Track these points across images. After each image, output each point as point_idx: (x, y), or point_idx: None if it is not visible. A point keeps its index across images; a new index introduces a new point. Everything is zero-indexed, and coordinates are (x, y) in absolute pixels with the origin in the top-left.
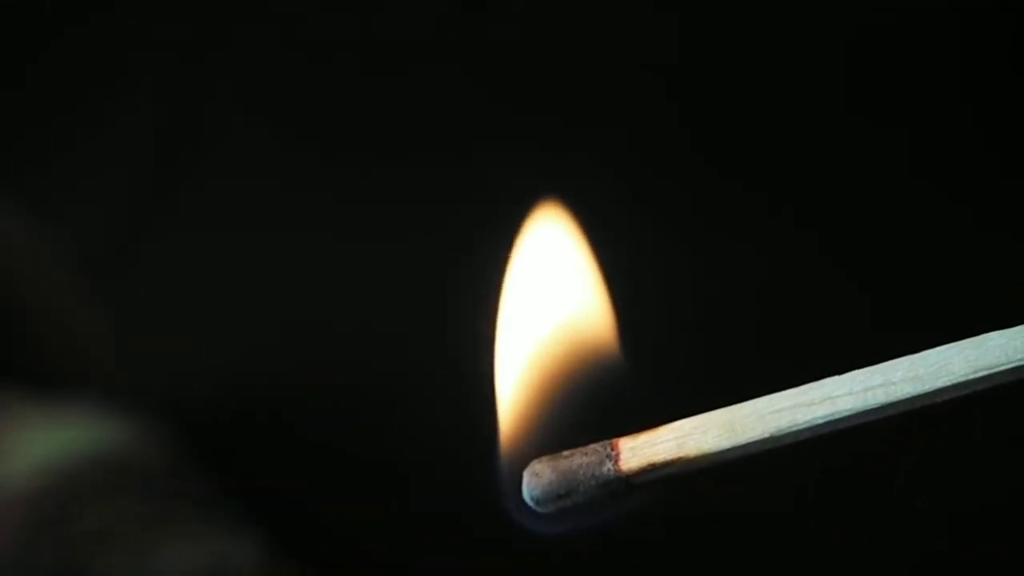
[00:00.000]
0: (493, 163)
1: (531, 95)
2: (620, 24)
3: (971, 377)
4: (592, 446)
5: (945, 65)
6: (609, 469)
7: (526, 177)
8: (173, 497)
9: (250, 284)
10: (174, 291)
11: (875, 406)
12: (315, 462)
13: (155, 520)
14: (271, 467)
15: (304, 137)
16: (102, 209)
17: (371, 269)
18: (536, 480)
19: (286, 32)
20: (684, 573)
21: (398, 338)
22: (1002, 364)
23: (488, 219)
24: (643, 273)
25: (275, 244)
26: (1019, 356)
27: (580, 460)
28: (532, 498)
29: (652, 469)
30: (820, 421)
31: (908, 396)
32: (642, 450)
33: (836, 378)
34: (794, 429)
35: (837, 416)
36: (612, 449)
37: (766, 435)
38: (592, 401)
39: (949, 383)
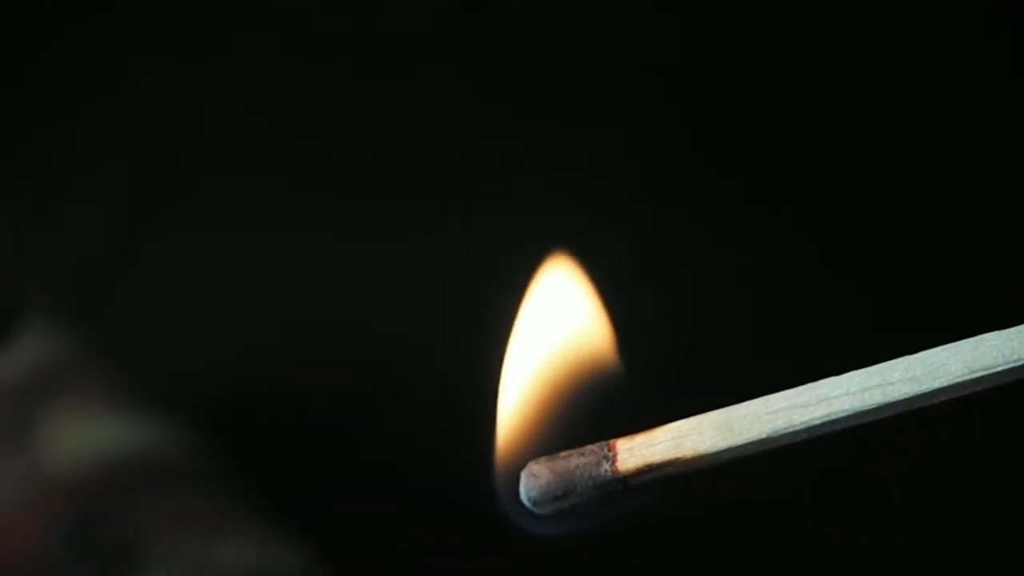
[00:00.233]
0: (493, 163)
1: (531, 95)
2: (620, 24)
3: (968, 378)
4: (589, 447)
5: (945, 65)
6: (606, 470)
7: (526, 177)
8: (194, 497)
9: (250, 284)
10: (174, 291)
11: (872, 407)
12: (314, 462)
13: (187, 518)
14: (270, 467)
15: (304, 137)
16: (102, 209)
17: (371, 269)
18: (533, 481)
19: (286, 32)
20: (683, 572)
21: (398, 338)
22: (999, 365)
23: (488, 219)
24: (642, 273)
25: (275, 244)
26: (1016, 357)
27: (577, 461)
28: (530, 499)
29: (649, 470)
30: (817, 422)
31: (905, 397)
32: (639, 451)
33: (833, 379)
34: (791, 430)
35: (834, 417)
36: (609, 450)
37: (763, 436)
38: (591, 403)
39: (946, 384)
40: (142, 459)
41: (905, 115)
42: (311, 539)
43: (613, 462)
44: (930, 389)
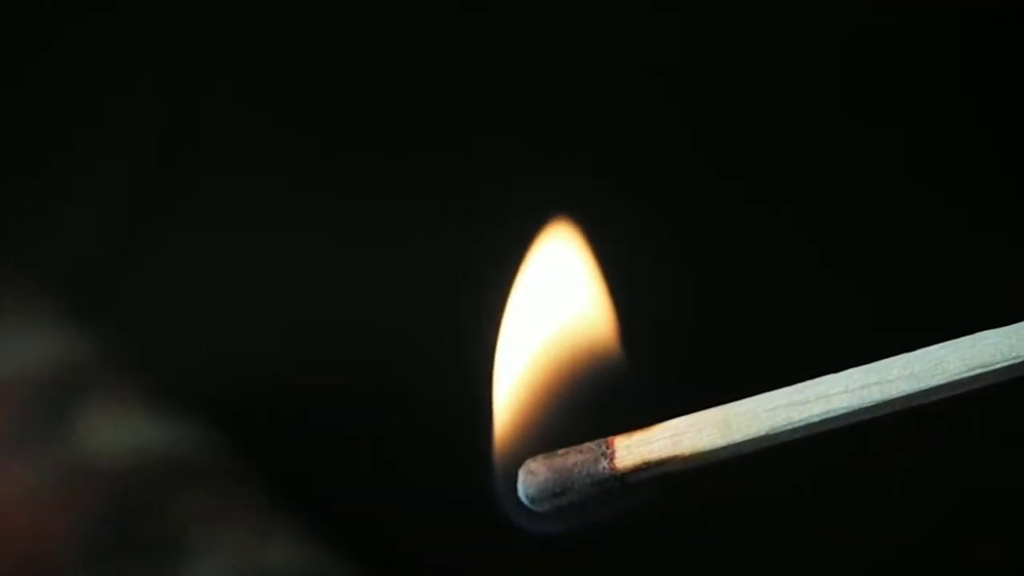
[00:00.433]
0: (493, 163)
1: (531, 95)
2: (620, 24)
3: (966, 375)
4: (587, 444)
5: (945, 65)
6: (604, 467)
7: (526, 177)
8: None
9: (250, 284)
10: (174, 291)
11: (871, 404)
12: (314, 462)
13: (228, 514)
14: (270, 467)
15: (304, 137)
16: (102, 209)
17: (371, 269)
18: (531, 478)
19: (286, 32)
20: (683, 570)
21: (398, 338)
22: (997, 362)
23: (488, 219)
24: (642, 273)
25: (275, 244)
26: (1014, 354)
27: (575, 458)
28: (527, 496)
29: (647, 467)
30: (815, 419)
31: (904, 394)
32: (637, 448)
33: (831, 376)
34: (789, 427)
35: (832, 414)
36: (607, 447)
37: (761, 433)
38: (591, 400)
39: (944, 381)
40: (173, 456)
41: (905, 115)
42: (310, 539)
43: (611, 459)
44: (928, 387)
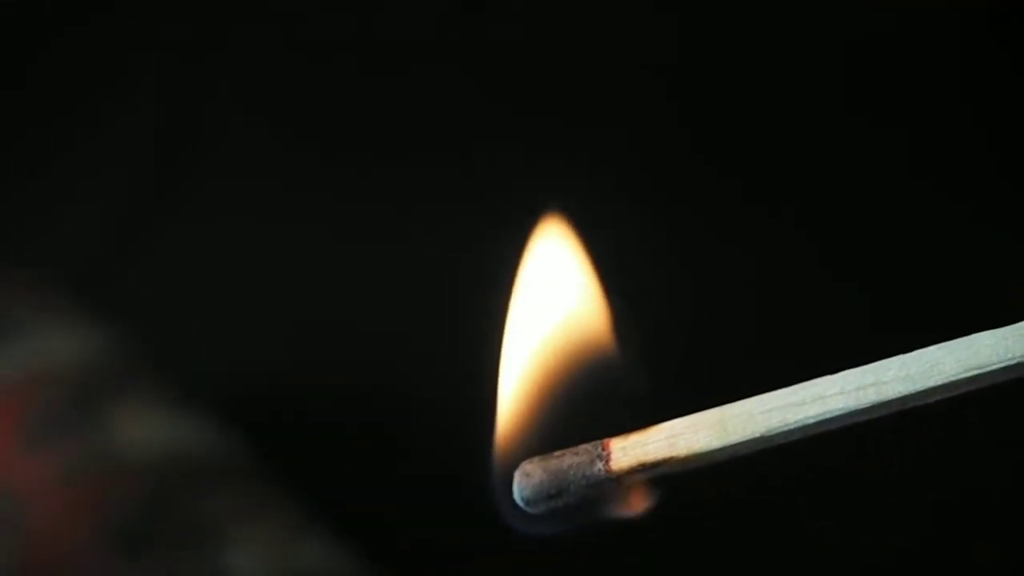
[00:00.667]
0: (493, 163)
1: (531, 95)
2: (620, 24)
3: (962, 376)
4: (583, 446)
5: (945, 65)
6: (600, 469)
7: (525, 177)
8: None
9: (250, 284)
10: (174, 291)
11: (867, 406)
12: (313, 462)
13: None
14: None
15: (304, 137)
16: (102, 209)
17: (371, 269)
18: (527, 480)
19: (286, 32)
20: (682, 572)
21: (398, 338)
22: (993, 364)
23: (488, 219)
24: (642, 272)
25: (275, 244)
26: (1010, 356)
27: (571, 460)
28: (523, 498)
29: (643, 469)
30: (811, 421)
31: (899, 396)
32: (633, 450)
33: (827, 378)
34: (785, 429)
35: (828, 416)
36: (603, 449)
37: (757, 435)
38: (588, 401)
39: (940, 382)
40: (179, 453)
41: (905, 115)
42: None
43: (607, 461)
44: (924, 388)
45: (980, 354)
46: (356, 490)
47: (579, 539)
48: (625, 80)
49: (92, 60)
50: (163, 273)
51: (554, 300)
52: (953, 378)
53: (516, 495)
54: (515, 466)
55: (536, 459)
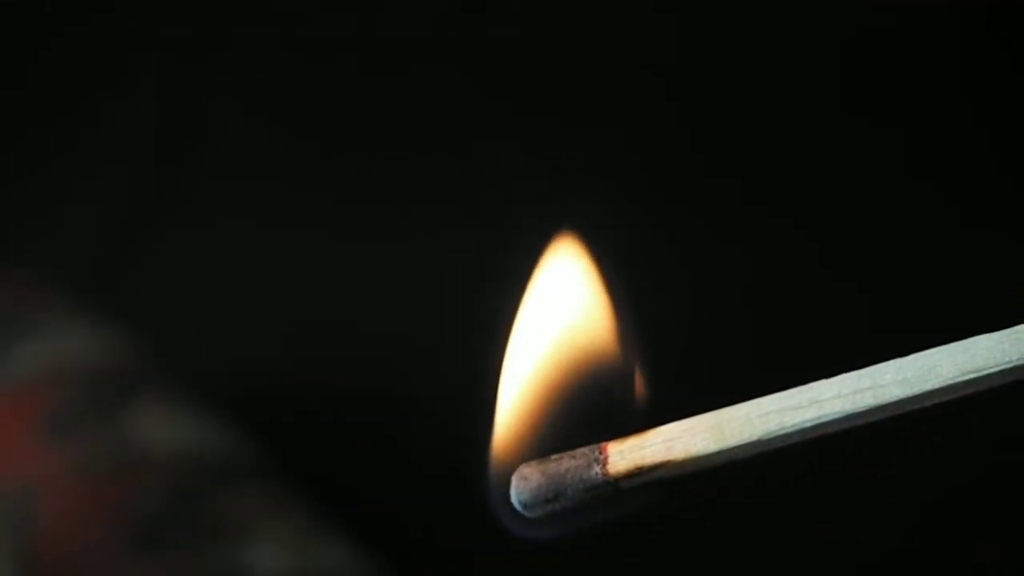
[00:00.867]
0: (493, 163)
1: (531, 95)
2: (620, 24)
3: (960, 380)
4: (580, 450)
5: (945, 65)
6: (597, 473)
7: (525, 177)
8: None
9: (250, 284)
10: (174, 291)
11: (864, 409)
12: (313, 462)
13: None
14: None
15: (304, 137)
16: (102, 209)
17: (371, 269)
18: (524, 484)
19: (286, 32)
20: (682, 572)
21: (398, 338)
22: (991, 367)
23: (488, 219)
24: (642, 274)
25: (275, 244)
26: (1007, 359)
27: (568, 464)
28: (520, 502)
29: (640, 473)
30: (808, 425)
31: (897, 399)
32: (630, 454)
33: (824, 381)
34: (782, 432)
35: (825, 419)
36: (600, 453)
37: (754, 439)
38: (587, 405)
39: (938, 386)
40: (182, 452)
41: (905, 115)
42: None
43: (604, 465)
44: (921, 391)
45: (977, 357)
46: (356, 490)
47: (577, 541)
48: (625, 80)
49: (92, 60)
50: (163, 273)
51: (554, 303)
52: (950, 381)
53: (513, 499)
54: (513, 470)
55: (533, 463)
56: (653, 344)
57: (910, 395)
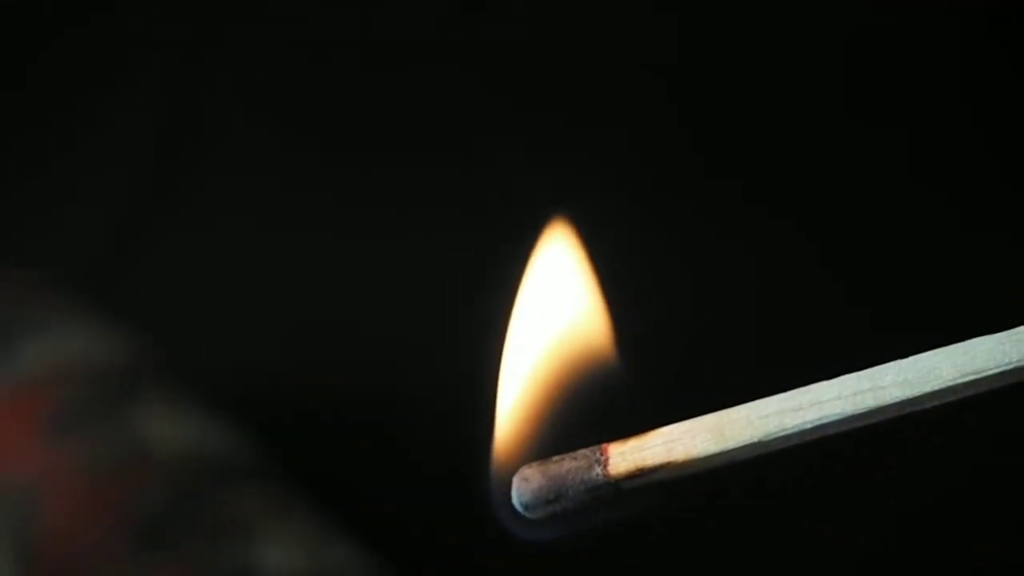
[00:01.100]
0: (493, 163)
1: (531, 95)
2: (620, 24)
3: (960, 382)
4: (581, 451)
5: (945, 65)
6: (598, 474)
7: (525, 177)
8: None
9: (250, 284)
10: (174, 291)
11: (864, 411)
12: (313, 462)
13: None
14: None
15: (304, 137)
16: (102, 209)
17: (371, 269)
18: (525, 485)
19: (286, 32)
20: (682, 573)
21: (398, 338)
22: (990, 369)
23: (488, 219)
24: (641, 274)
25: (275, 244)
26: (1007, 361)
27: (569, 465)
28: (521, 503)
29: (641, 474)
30: (808, 426)
31: (897, 400)
32: (631, 455)
33: (824, 383)
34: (783, 434)
35: (825, 421)
36: (601, 454)
37: (755, 440)
38: (587, 406)
39: (938, 388)
40: (207, 453)
41: (905, 115)
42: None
43: (605, 466)
44: (921, 393)
45: (977, 359)
46: (356, 490)
47: (578, 543)
48: (625, 80)
49: (92, 60)
50: (163, 273)
51: (554, 304)
52: (950, 383)
53: (515, 500)
54: (514, 471)
55: (535, 464)
56: (652, 345)
57: (910, 396)
